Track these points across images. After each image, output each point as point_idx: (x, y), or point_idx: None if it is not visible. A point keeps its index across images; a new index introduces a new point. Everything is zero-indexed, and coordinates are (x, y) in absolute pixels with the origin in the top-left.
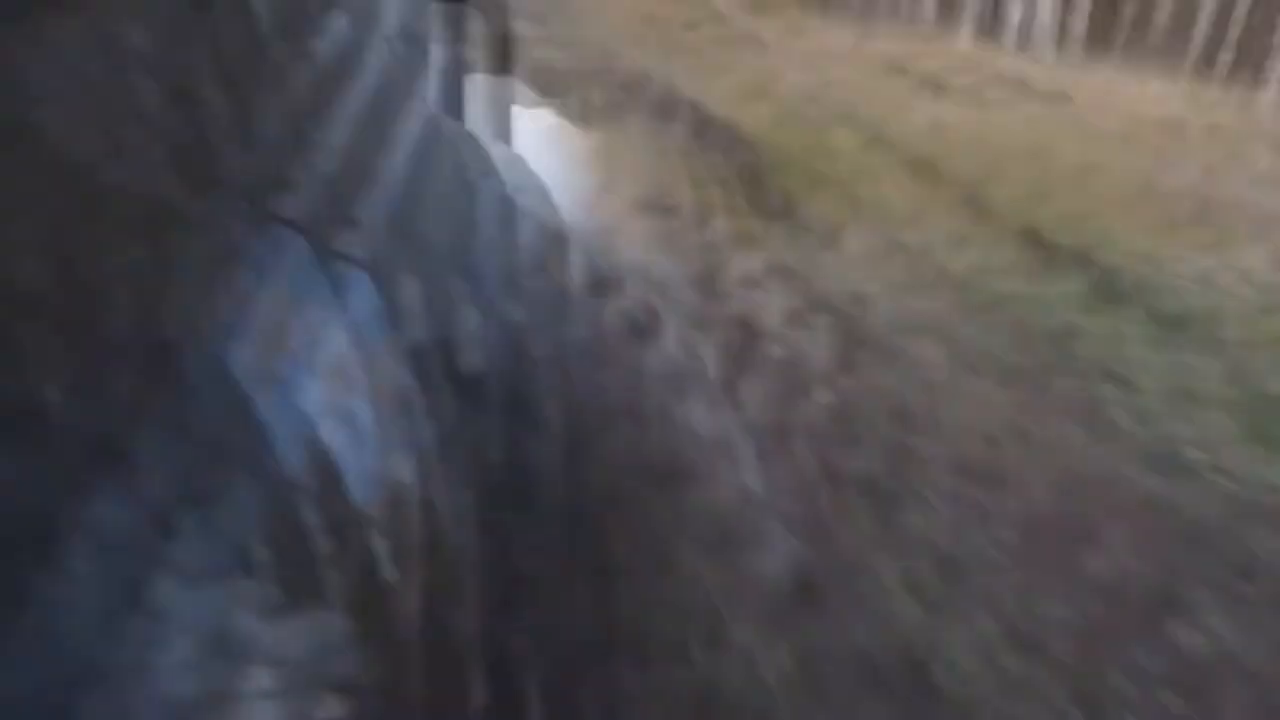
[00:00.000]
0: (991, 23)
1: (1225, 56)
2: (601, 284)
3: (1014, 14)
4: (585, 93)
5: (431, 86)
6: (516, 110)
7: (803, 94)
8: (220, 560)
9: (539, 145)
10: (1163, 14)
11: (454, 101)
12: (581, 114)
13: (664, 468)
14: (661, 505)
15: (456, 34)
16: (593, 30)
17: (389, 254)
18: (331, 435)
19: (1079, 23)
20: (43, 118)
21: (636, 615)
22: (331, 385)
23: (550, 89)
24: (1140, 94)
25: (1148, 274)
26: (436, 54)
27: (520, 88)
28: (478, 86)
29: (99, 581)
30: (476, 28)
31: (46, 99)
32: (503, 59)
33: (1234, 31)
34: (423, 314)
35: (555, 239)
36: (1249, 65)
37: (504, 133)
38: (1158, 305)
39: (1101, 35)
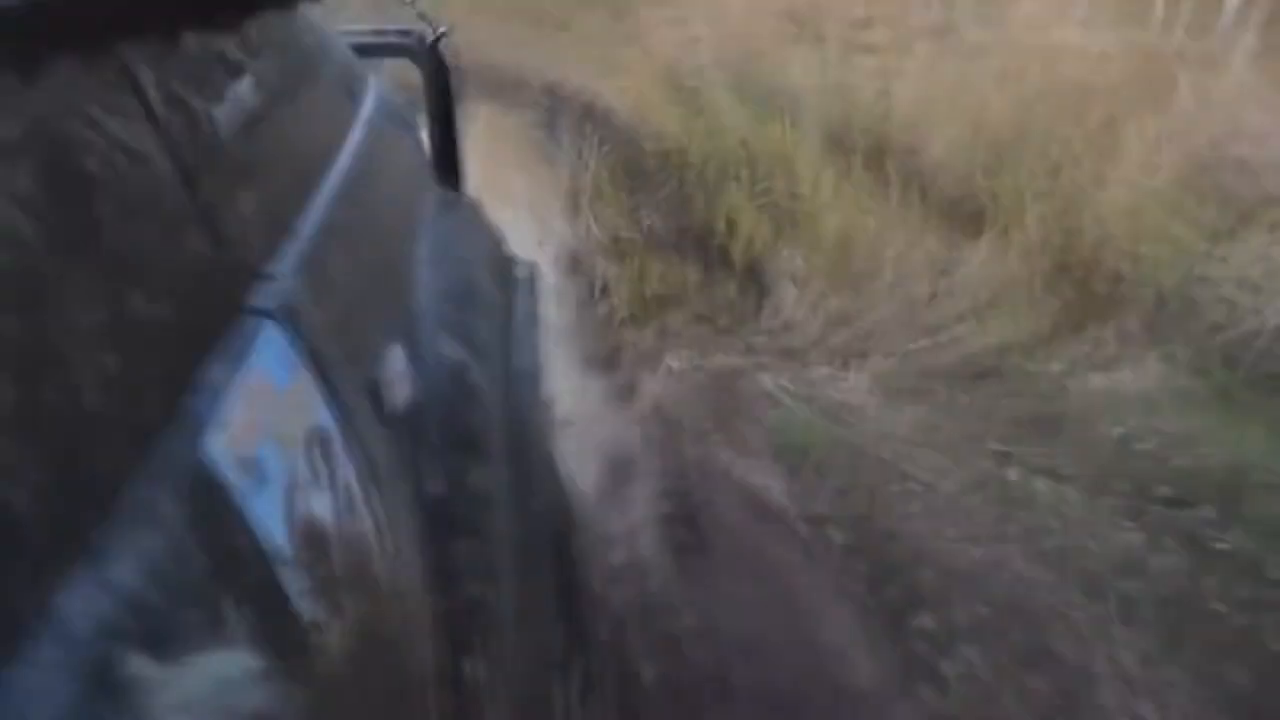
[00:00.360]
0: None
1: None
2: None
3: None
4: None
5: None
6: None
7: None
8: (110, 609)
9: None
10: None
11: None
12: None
13: None
14: None
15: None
16: None
17: (307, 298)
18: (232, 480)
19: None
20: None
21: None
22: (231, 434)
23: None
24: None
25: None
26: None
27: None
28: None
29: None
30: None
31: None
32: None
33: None
34: (347, 355)
35: (498, 271)
36: None
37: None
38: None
39: None
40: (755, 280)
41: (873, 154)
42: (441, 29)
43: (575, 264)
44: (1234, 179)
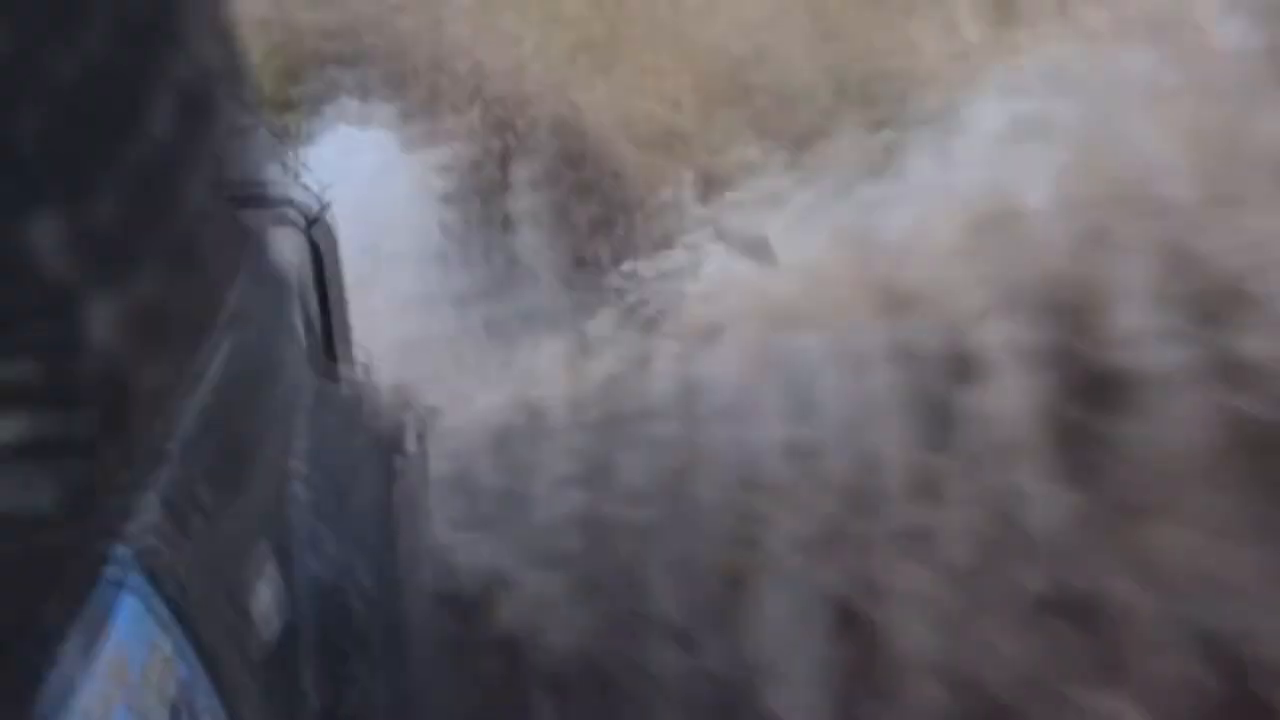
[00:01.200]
0: None
1: None
2: None
3: None
4: None
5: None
6: None
7: None
8: None
9: None
10: None
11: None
12: None
13: None
14: None
15: None
16: None
17: (168, 551)
18: None
19: None
20: None
21: None
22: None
23: None
24: None
25: None
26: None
27: None
28: None
29: None
30: None
31: None
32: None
33: None
34: (213, 600)
35: (378, 462)
36: None
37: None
38: None
39: None
40: None
41: None
42: (327, 201)
43: None
44: None
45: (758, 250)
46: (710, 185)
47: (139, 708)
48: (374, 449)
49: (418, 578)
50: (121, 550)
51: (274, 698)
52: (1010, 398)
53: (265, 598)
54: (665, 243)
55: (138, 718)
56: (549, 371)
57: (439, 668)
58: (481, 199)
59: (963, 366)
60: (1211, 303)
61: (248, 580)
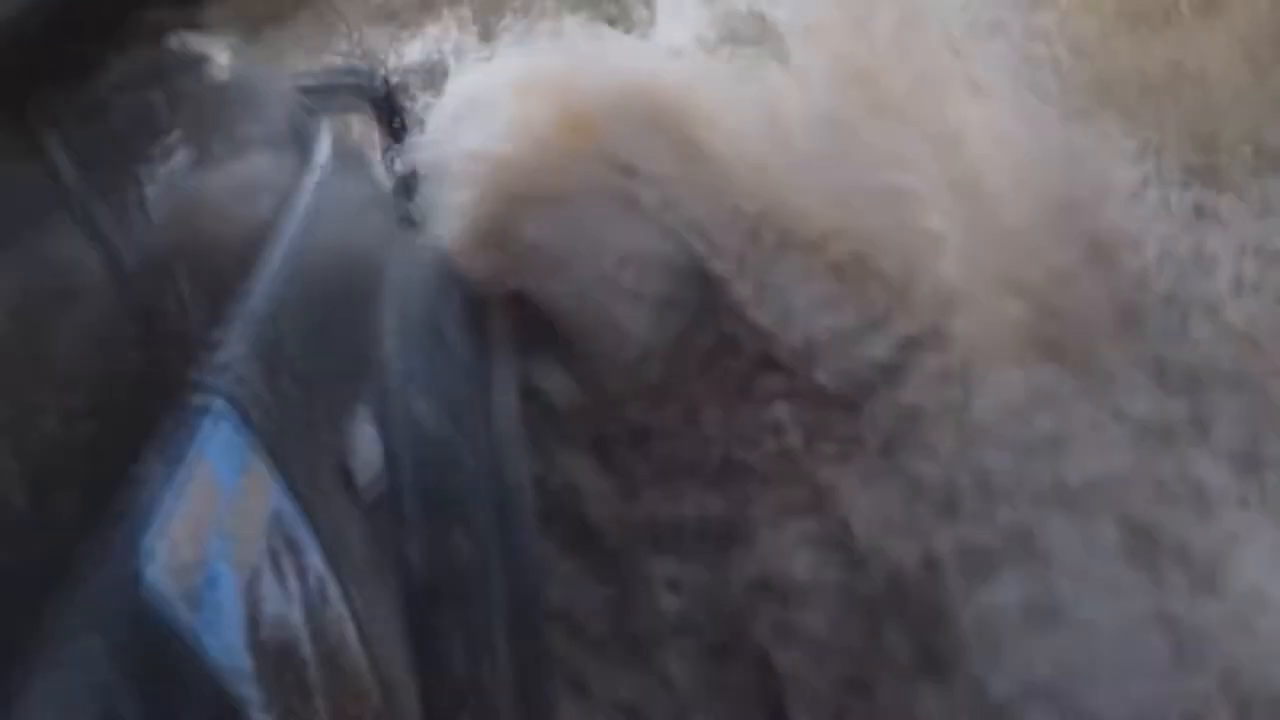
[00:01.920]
0: None
1: None
2: None
3: None
4: None
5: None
6: None
7: None
8: None
9: None
10: None
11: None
12: None
13: None
14: None
15: None
16: None
17: (258, 374)
18: (179, 597)
19: None
20: None
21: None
22: (177, 544)
23: None
24: None
25: None
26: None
27: None
28: None
29: None
30: None
31: None
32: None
33: None
34: (307, 431)
35: (465, 317)
36: None
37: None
38: None
39: None
40: None
41: None
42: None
43: None
44: None
45: None
46: None
47: (230, 530)
48: (464, 307)
49: (517, 443)
50: (211, 380)
51: (371, 552)
52: None
53: (360, 439)
54: None
55: (229, 540)
56: None
57: (539, 540)
58: None
59: None
60: None
61: (342, 420)
